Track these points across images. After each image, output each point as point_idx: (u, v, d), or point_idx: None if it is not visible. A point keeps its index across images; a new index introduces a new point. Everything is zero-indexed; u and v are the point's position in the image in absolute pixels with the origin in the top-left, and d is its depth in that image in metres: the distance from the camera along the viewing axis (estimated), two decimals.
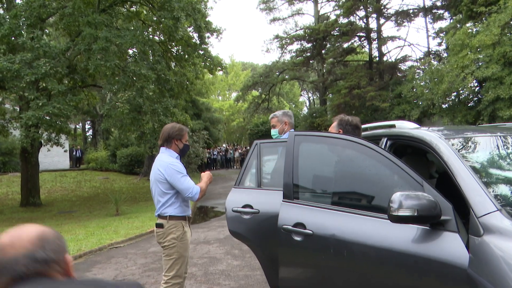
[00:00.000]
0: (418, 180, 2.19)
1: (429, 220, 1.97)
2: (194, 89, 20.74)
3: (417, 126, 2.85)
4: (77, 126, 37.96)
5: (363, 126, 3.55)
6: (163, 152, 3.44)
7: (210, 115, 33.36)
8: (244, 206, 3.14)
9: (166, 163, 3.32)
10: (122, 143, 26.75)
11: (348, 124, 3.06)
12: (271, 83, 31.07)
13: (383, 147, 2.83)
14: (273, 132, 3.96)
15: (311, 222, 2.57)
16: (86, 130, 38.90)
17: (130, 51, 15.35)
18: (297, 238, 2.60)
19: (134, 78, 11.78)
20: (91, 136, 36.76)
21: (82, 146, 33.24)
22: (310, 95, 52.57)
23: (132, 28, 12.20)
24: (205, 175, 3.59)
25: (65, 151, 22.21)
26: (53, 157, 23.68)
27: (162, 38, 16.52)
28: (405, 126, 2.93)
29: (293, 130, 3.83)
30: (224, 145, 39.01)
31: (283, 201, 2.77)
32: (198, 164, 20.84)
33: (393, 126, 3.09)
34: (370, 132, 3.38)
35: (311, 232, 2.53)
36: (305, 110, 50.74)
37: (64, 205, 15.80)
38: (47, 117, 11.37)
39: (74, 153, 28.13)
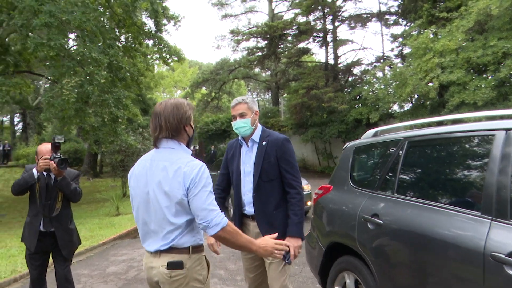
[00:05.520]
0: None
1: None
2: (143, 82, 19.08)
3: None
4: (5, 119, 34.31)
5: (463, 116, 2.66)
6: (172, 147, 2.02)
7: None
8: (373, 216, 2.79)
9: (192, 166, 1.91)
10: None
11: None
12: (221, 80, 29.98)
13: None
14: (243, 123, 2.70)
15: None
16: (15, 123, 35.14)
17: (72, 35, 13.65)
18: None
19: (82, 62, 10.08)
20: (20, 130, 33.23)
21: (10, 140, 29.88)
22: (255, 95, 52.32)
23: (80, 5, 10.44)
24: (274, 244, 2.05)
25: None
26: None
27: (108, 25, 14.74)
28: None
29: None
30: None
31: None
32: None
33: None
34: (473, 124, 2.44)
35: None
36: None
37: None
38: None
39: (1, 148, 25.08)
